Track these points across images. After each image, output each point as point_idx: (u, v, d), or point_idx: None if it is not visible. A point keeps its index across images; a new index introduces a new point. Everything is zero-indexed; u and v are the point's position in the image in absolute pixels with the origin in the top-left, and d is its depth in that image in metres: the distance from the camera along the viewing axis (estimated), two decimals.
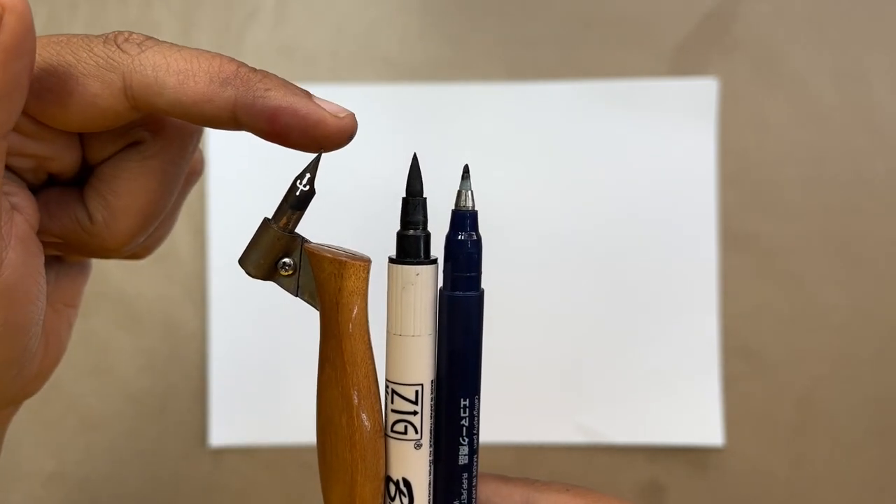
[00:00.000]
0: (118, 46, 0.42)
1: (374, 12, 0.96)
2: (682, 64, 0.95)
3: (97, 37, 0.42)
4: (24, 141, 0.43)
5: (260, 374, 0.96)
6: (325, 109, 0.43)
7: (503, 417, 0.96)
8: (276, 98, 0.42)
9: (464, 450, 0.48)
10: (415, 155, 0.46)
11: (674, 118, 0.95)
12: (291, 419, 0.96)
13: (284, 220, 0.46)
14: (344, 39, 0.96)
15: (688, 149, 0.95)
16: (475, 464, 0.49)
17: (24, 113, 0.41)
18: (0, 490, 0.97)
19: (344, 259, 0.45)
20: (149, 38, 0.43)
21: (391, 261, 0.46)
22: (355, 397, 0.46)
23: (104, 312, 0.96)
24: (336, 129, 0.43)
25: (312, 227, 0.50)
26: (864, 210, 0.95)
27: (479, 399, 0.48)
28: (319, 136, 0.43)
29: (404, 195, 0.46)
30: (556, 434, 0.96)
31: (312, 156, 0.46)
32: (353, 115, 0.43)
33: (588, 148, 0.96)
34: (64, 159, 0.46)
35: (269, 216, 0.47)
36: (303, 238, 0.47)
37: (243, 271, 0.48)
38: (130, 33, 0.43)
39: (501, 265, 0.94)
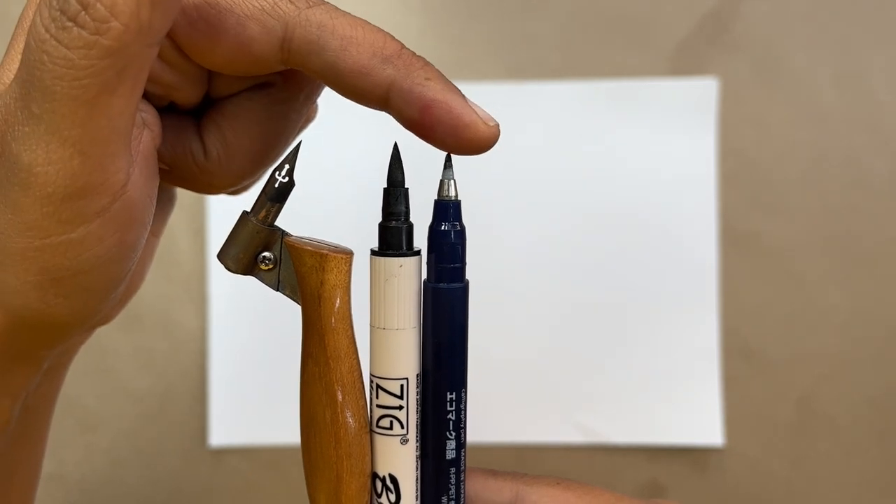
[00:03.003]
0: None
1: (374, 12, 0.96)
2: (682, 64, 0.95)
3: None
4: (161, 67, 0.42)
5: (260, 374, 0.96)
6: (477, 113, 0.42)
7: (503, 417, 0.95)
8: (435, 90, 0.42)
9: (451, 444, 0.48)
10: (395, 144, 0.46)
11: (674, 118, 0.95)
12: (291, 419, 0.95)
13: (263, 212, 0.46)
14: None
15: (688, 149, 0.95)
16: (463, 458, 0.49)
17: (170, 38, 0.41)
18: None
19: (325, 252, 0.45)
20: None
21: (373, 253, 0.46)
22: (339, 393, 0.46)
23: None
24: (484, 135, 0.42)
25: (292, 220, 0.50)
26: (864, 210, 0.95)
27: (465, 392, 0.48)
28: (465, 138, 0.42)
29: (385, 185, 0.46)
30: (556, 434, 0.96)
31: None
32: (499, 125, 0.43)
33: (588, 148, 0.95)
34: (191, 92, 0.45)
35: (248, 209, 0.47)
36: (283, 231, 0.47)
37: (222, 266, 0.48)
38: None
39: (501, 265, 0.94)
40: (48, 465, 0.97)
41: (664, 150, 0.95)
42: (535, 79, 0.96)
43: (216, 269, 0.96)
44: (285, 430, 0.96)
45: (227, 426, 0.97)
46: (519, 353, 0.96)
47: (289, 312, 0.94)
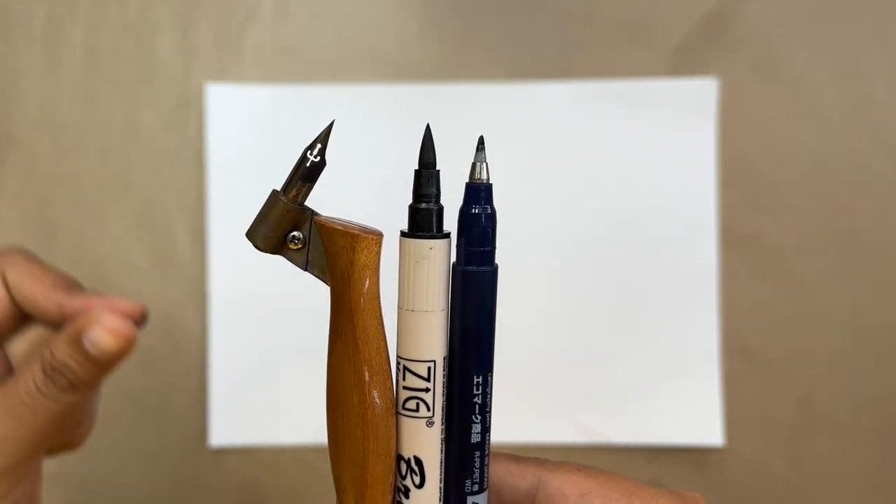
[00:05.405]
0: None
1: (374, 12, 0.96)
2: (682, 64, 0.95)
3: None
4: None
5: (260, 374, 0.96)
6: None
7: (503, 417, 0.95)
8: None
9: (476, 428, 0.48)
10: (427, 126, 0.46)
11: (674, 118, 0.95)
12: (291, 419, 0.96)
13: (294, 192, 0.46)
14: (344, 39, 0.96)
15: (688, 149, 0.95)
16: (487, 442, 0.49)
17: None
18: None
19: (356, 232, 0.45)
20: None
21: (403, 235, 0.46)
22: (367, 374, 0.46)
23: None
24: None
25: (321, 201, 0.50)
26: (864, 210, 0.95)
27: (492, 376, 0.48)
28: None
29: (416, 168, 0.46)
30: (556, 434, 0.96)
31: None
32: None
33: (588, 148, 0.96)
34: None
35: (279, 188, 0.47)
36: (312, 211, 0.47)
37: (251, 244, 0.47)
38: None
39: (500, 265, 0.94)
40: (48, 465, 0.96)
41: (664, 150, 0.96)
42: (535, 79, 0.96)
43: (216, 269, 0.96)
44: (285, 430, 0.96)
45: (227, 426, 0.96)
46: (519, 352, 0.96)
47: (289, 313, 0.94)
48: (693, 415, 0.96)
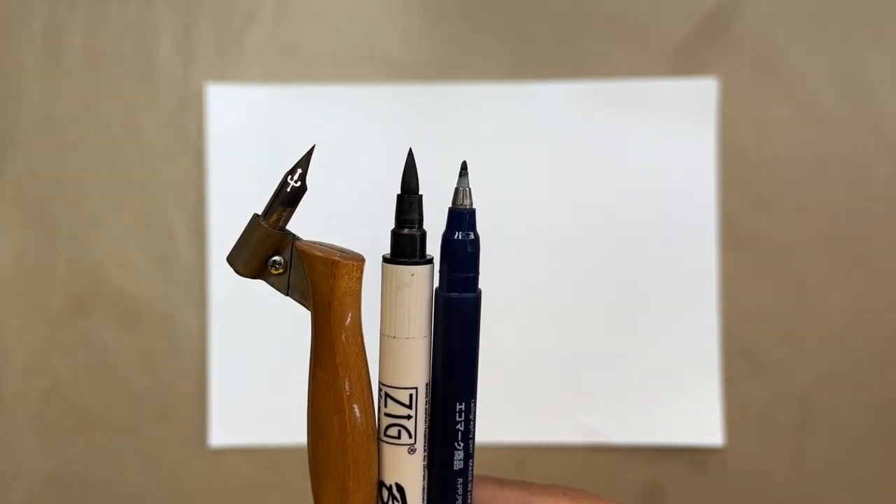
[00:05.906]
0: None
1: (374, 12, 0.96)
2: (682, 64, 0.95)
3: None
4: None
5: (260, 374, 0.96)
6: None
7: (503, 417, 0.95)
8: None
9: (459, 454, 0.48)
10: (410, 151, 0.46)
11: (674, 118, 0.95)
12: (291, 419, 0.96)
13: (275, 216, 0.46)
14: (344, 39, 0.96)
15: (688, 149, 0.95)
16: (470, 468, 0.49)
17: None
18: (0, 490, 0.97)
19: (336, 258, 0.45)
20: None
21: (385, 260, 0.46)
22: (347, 401, 0.46)
23: (104, 312, 0.96)
24: None
25: (304, 225, 0.50)
26: (864, 210, 0.95)
27: (475, 403, 0.48)
28: None
29: (399, 192, 0.46)
30: (556, 434, 0.96)
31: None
32: None
33: (588, 148, 0.95)
34: None
35: (259, 212, 0.47)
36: (294, 235, 0.47)
37: (232, 270, 0.47)
38: None
39: (501, 265, 0.94)
40: (48, 465, 0.97)
41: (664, 150, 0.95)
42: (535, 79, 0.96)
43: (216, 269, 0.96)
44: (285, 430, 0.96)
45: (227, 426, 0.96)
46: (519, 353, 0.96)
47: (289, 313, 0.94)
48: (693, 415, 0.96)
